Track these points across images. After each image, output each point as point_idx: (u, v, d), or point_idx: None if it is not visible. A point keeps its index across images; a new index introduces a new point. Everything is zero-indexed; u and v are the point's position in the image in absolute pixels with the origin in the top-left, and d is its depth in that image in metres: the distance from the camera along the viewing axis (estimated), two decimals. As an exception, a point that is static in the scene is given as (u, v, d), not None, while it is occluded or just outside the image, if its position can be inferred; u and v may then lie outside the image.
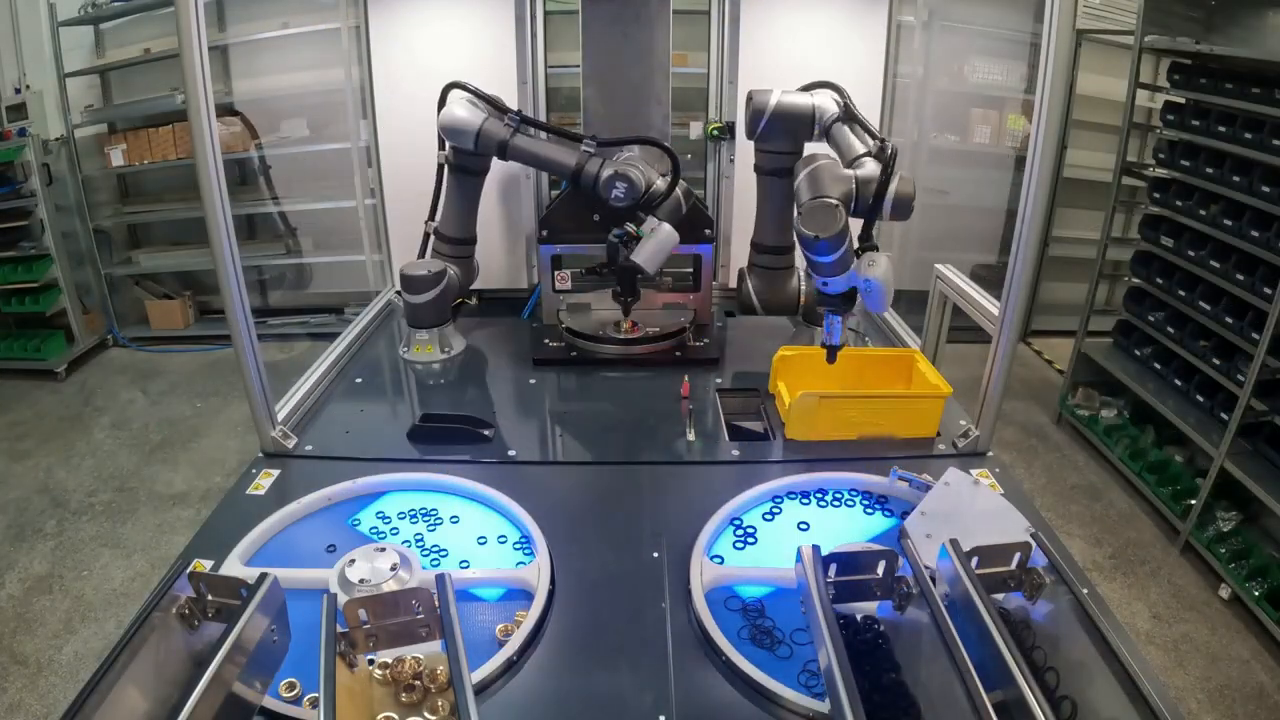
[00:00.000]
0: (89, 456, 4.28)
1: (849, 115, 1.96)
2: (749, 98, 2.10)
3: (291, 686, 1.18)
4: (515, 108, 2.23)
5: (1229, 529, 3.34)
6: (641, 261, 2.14)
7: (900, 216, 1.73)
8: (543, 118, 2.65)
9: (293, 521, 1.61)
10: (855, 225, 1.68)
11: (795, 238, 1.66)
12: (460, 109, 2.17)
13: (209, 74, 1.49)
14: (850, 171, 1.71)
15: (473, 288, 2.60)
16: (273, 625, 1.10)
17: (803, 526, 1.62)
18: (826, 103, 2.03)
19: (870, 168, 1.70)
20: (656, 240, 2.13)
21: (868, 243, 1.70)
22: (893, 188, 1.68)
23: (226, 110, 5.21)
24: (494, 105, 2.22)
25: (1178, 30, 3.89)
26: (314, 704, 1.15)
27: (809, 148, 2.15)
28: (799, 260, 2.27)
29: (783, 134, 2.11)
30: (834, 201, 1.59)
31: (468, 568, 1.49)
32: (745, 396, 2.16)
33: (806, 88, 2.11)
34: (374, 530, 1.60)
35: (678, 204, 2.18)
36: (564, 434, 2.04)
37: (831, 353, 1.84)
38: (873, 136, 1.82)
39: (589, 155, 2.15)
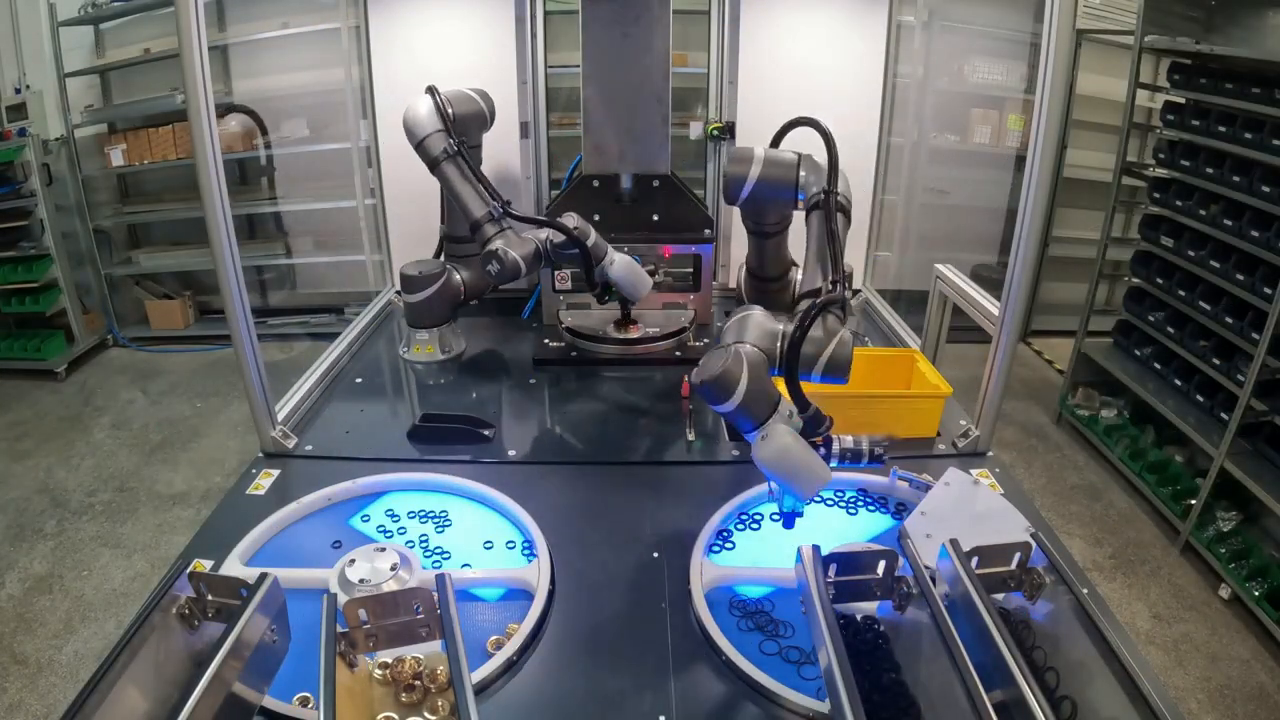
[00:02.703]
0: (89, 456, 4.28)
1: (826, 206, 1.58)
2: (729, 158, 1.79)
3: (306, 701, 1.17)
4: (471, 137, 2.20)
5: (1229, 529, 3.34)
6: (629, 297, 2.24)
7: (835, 381, 1.41)
8: (543, 118, 2.65)
9: (293, 521, 1.61)
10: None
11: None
12: (422, 109, 2.11)
13: (209, 74, 1.49)
14: (779, 327, 1.41)
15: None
16: (273, 625, 1.10)
17: (803, 526, 1.62)
18: (810, 174, 1.69)
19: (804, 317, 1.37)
20: (620, 277, 2.21)
21: (807, 411, 1.38)
22: (830, 350, 1.38)
23: (229, 109, 5.21)
24: (448, 123, 2.10)
25: (1178, 30, 3.89)
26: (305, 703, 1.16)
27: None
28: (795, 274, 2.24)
29: (766, 205, 1.83)
30: (735, 373, 1.32)
31: (468, 568, 1.49)
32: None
33: (791, 125, 1.80)
34: (379, 529, 1.60)
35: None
36: (564, 434, 2.04)
37: (788, 520, 1.48)
38: (835, 263, 1.48)
39: (492, 218, 2.08)
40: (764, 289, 2.23)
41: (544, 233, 2.11)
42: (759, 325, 1.41)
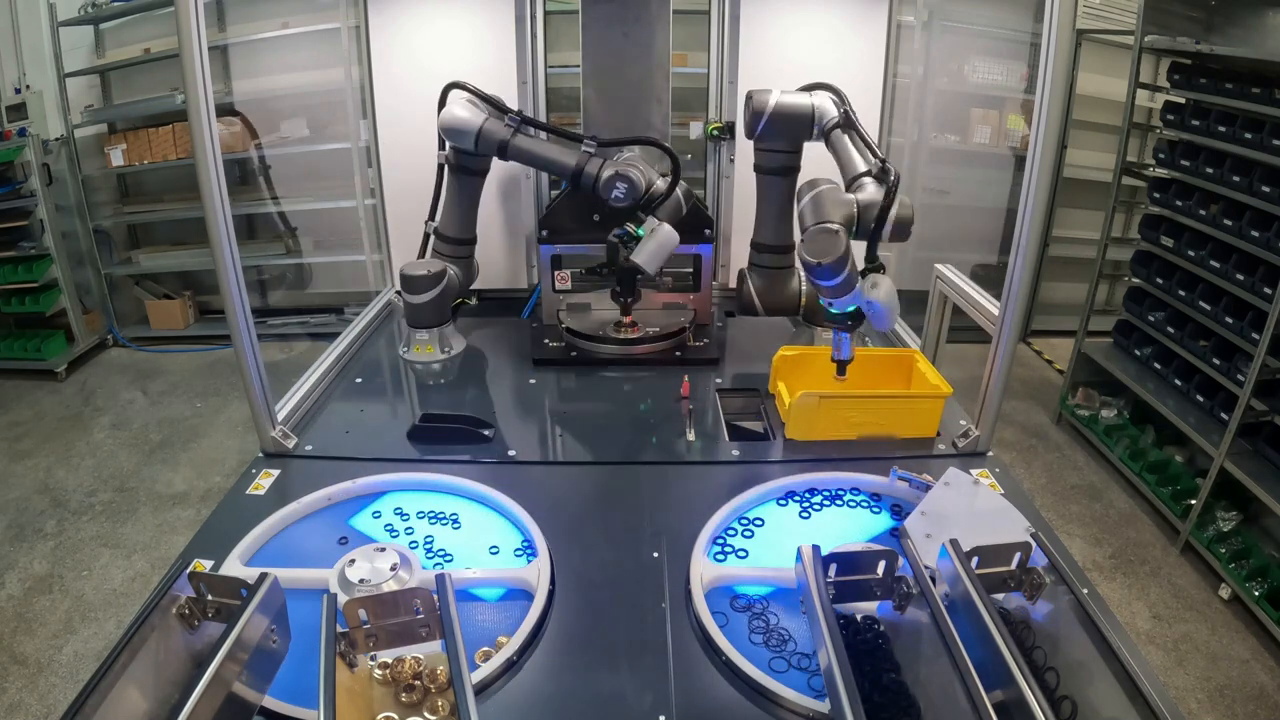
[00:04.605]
0: (89, 456, 4.28)
1: (849, 123, 1.94)
2: (748, 97, 2.10)
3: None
4: (516, 107, 2.22)
5: (1229, 529, 3.34)
6: (641, 262, 2.13)
7: (899, 239, 1.71)
8: (543, 118, 2.65)
9: (293, 521, 1.61)
10: (859, 248, 1.68)
11: (798, 254, 1.66)
12: (461, 109, 2.16)
13: (209, 74, 1.49)
14: (852, 196, 1.69)
15: (472, 288, 2.60)
16: (272, 625, 1.10)
17: (803, 526, 1.62)
18: (826, 104, 2.02)
19: (871, 191, 1.69)
20: (657, 240, 2.12)
21: (873, 264, 1.68)
22: (893, 213, 1.66)
23: (226, 110, 5.22)
24: (495, 105, 2.20)
25: (1178, 30, 3.90)
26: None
27: (807, 148, 2.16)
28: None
29: (782, 134, 2.12)
30: (835, 227, 1.60)
31: (468, 568, 1.49)
32: (745, 396, 2.16)
33: (805, 89, 2.09)
34: (385, 529, 1.60)
35: (678, 204, 2.17)
36: (564, 434, 2.04)
37: (841, 367, 1.83)
38: (873, 153, 1.80)
39: (589, 155, 2.14)
40: (768, 264, 2.38)
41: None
42: (838, 203, 1.67)
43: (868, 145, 1.84)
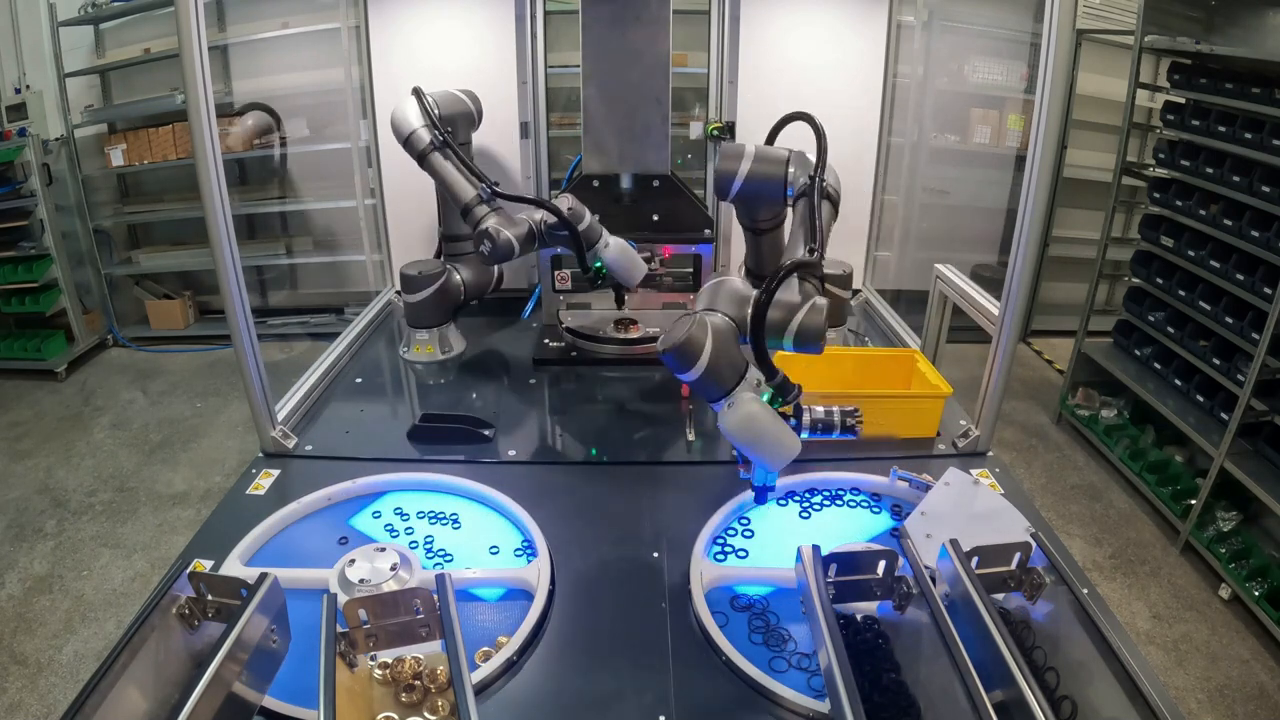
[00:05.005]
0: (89, 456, 4.28)
1: (810, 189, 1.53)
2: (720, 154, 1.76)
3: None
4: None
5: (1229, 529, 3.34)
6: (624, 283, 2.20)
7: (807, 349, 1.36)
8: (543, 118, 2.65)
9: (293, 521, 1.61)
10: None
11: None
12: (408, 109, 2.16)
13: (209, 74, 1.49)
14: (753, 293, 1.34)
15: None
16: (272, 625, 1.10)
17: (803, 526, 1.62)
18: (798, 169, 1.66)
19: (788, 292, 1.34)
20: (616, 262, 2.16)
21: (774, 379, 1.31)
22: (801, 315, 1.32)
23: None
24: (433, 119, 2.14)
25: (1178, 30, 3.90)
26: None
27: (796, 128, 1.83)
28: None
29: (757, 201, 1.80)
30: (698, 340, 1.28)
31: (468, 568, 1.49)
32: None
33: (785, 121, 1.81)
34: (385, 529, 1.60)
35: (597, 231, 2.14)
36: (564, 434, 2.04)
37: (759, 494, 1.48)
38: (813, 233, 1.41)
39: (480, 200, 2.09)
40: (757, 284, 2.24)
41: (538, 214, 2.12)
42: (731, 291, 1.38)
43: (813, 220, 1.44)
